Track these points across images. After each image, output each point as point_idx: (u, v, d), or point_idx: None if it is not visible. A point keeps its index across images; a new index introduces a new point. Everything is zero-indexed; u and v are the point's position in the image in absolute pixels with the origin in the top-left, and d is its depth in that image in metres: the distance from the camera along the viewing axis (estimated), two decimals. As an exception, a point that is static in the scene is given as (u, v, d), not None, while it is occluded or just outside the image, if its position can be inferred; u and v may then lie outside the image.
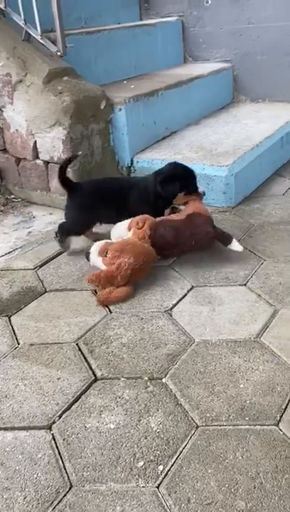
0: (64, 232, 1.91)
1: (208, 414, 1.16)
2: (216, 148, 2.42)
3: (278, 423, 1.12)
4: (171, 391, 1.24)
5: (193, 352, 1.37)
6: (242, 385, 1.23)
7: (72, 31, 2.65)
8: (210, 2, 3.20)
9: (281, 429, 1.10)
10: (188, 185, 1.87)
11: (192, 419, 1.15)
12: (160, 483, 1.01)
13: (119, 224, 1.82)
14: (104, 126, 2.35)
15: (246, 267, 1.75)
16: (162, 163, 2.32)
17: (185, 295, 1.63)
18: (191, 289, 1.66)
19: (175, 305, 1.59)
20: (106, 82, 2.70)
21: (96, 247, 1.71)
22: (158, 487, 1.00)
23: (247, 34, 3.14)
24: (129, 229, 1.75)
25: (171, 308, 1.57)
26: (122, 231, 1.79)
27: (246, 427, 1.12)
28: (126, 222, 1.79)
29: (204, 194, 1.94)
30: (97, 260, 1.70)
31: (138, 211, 1.79)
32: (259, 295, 1.60)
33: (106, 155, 2.40)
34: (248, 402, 1.18)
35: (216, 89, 3.11)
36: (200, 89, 2.91)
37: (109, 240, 1.78)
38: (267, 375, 1.26)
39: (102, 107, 2.31)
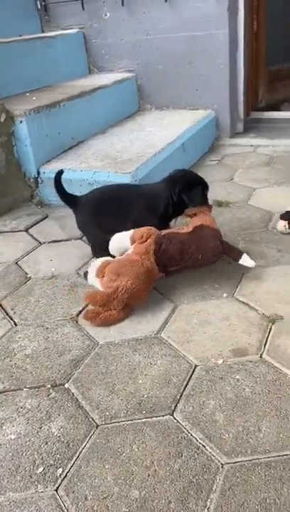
0: (93, 254, 1.88)
1: (107, 413, 1.20)
2: (121, 156, 2.49)
3: (172, 412, 1.18)
4: (73, 395, 1.26)
5: (96, 355, 1.40)
6: (140, 381, 1.29)
7: None
8: (108, 15, 3.28)
9: (175, 418, 1.17)
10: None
11: (92, 419, 1.18)
12: (59, 485, 1.03)
13: (117, 235, 1.65)
14: (6, 139, 2.34)
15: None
16: (68, 173, 2.36)
17: (91, 300, 1.67)
18: (97, 294, 1.70)
19: (80, 311, 1.61)
20: (7, 94, 2.68)
21: (93, 267, 1.62)
22: (56, 490, 1.02)
23: (147, 45, 3.26)
24: (132, 242, 1.62)
25: (77, 315, 1.59)
26: (122, 243, 1.64)
27: (143, 420, 1.17)
28: (126, 234, 1.64)
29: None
30: (94, 281, 1.61)
31: (144, 222, 1.67)
32: (162, 293, 1.67)
33: (11, 167, 2.39)
34: (145, 396, 1.24)
35: (121, 99, 3.20)
36: (104, 99, 2.98)
37: (107, 258, 1.64)
38: (164, 368, 1.32)
39: (2, 119, 2.29)
